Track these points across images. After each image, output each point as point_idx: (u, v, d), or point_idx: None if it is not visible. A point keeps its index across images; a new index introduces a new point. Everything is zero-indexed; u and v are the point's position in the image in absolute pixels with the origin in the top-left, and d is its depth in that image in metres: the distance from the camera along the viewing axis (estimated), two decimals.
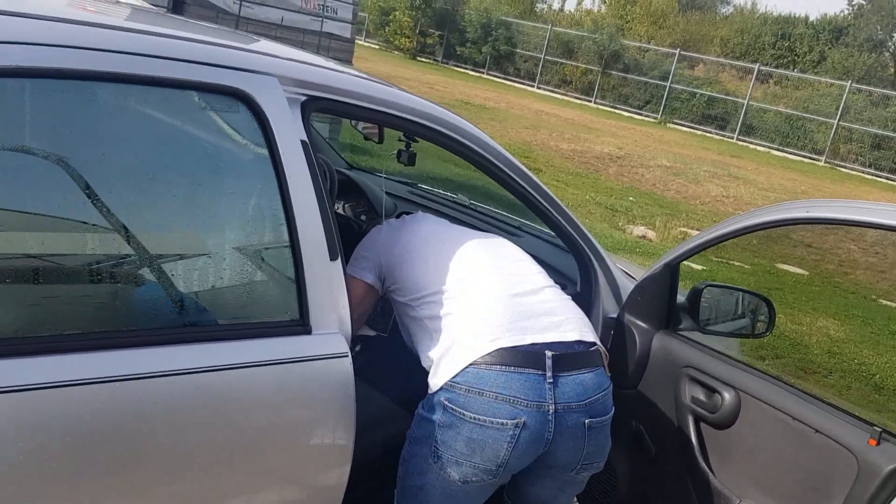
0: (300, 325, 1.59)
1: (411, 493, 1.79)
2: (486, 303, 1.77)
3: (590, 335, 1.82)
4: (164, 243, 1.53)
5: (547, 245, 2.76)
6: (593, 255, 2.39)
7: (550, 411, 1.66)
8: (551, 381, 1.67)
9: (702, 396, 2.07)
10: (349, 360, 1.64)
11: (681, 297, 2.33)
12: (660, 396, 2.19)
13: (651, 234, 8.16)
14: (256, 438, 1.51)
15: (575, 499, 2.55)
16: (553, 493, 1.86)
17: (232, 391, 1.46)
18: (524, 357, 1.67)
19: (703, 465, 2.03)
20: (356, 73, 1.99)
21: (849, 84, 20.55)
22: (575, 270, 2.45)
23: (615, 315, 2.37)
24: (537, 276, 1.93)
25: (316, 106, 1.70)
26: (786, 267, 7.95)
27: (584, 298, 2.44)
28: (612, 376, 2.38)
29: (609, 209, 9.00)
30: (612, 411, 1.81)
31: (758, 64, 22.72)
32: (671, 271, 2.18)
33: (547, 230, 2.87)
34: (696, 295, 2.26)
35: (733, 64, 24.53)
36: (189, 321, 1.52)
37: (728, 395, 1.98)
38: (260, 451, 1.53)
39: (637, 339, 2.24)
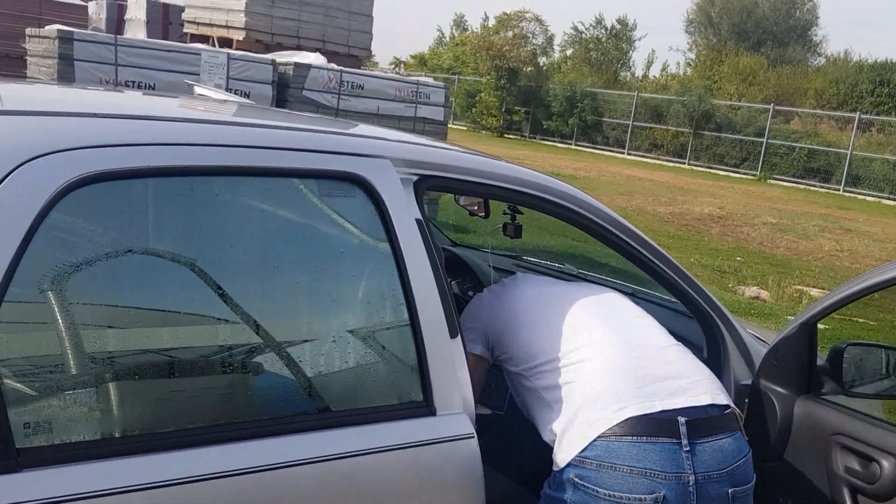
0: (424, 406, 1.56)
1: None
2: (607, 368, 1.68)
3: (722, 397, 1.70)
4: (289, 331, 1.54)
5: (666, 311, 2.64)
6: (719, 319, 2.27)
7: (691, 482, 1.55)
8: (688, 449, 1.56)
9: (857, 466, 1.89)
10: (475, 441, 1.58)
11: (819, 360, 2.17)
12: (808, 468, 2.02)
13: (764, 293, 7.80)
14: None
15: None
16: None
17: (362, 478, 1.43)
18: (656, 425, 1.57)
19: None
20: (462, 149, 1.99)
21: None
22: (699, 336, 2.32)
23: (748, 382, 2.23)
24: (658, 334, 1.83)
25: (428, 184, 1.71)
26: None
27: (713, 365, 2.29)
28: (753, 448, 2.21)
29: (716, 270, 8.70)
30: (755, 479, 1.68)
31: (858, 112, 21.91)
32: (808, 331, 2.04)
33: (664, 296, 2.77)
34: (837, 355, 2.10)
35: (831, 115, 23.74)
36: (316, 408, 1.51)
37: (887, 464, 1.81)
38: None
39: (777, 407, 2.09)
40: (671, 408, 1.60)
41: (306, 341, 1.54)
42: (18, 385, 1.20)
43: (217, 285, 1.42)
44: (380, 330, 1.63)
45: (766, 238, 11.37)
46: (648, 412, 1.58)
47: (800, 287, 8.20)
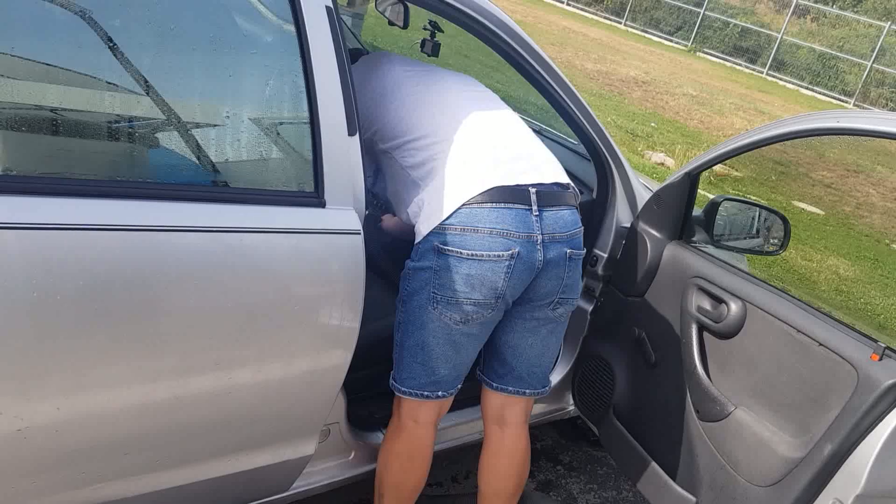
0: (314, 197, 1.58)
1: (412, 353, 1.83)
2: (472, 146, 1.81)
3: (564, 178, 1.89)
4: (183, 101, 1.51)
5: (565, 150, 2.72)
6: (613, 162, 2.35)
7: (539, 241, 1.76)
8: (537, 214, 1.76)
9: (708, 306, 2.07)
10: (361, 237, 1.63)
11: (697, 211, 2.31)
12: (665, 305, 2.20)
13: (670, 161, 8.06)
14: (266, 305, 1.52)
15: (572, 407, 2.59)
16: (525, 336, 1.91)
17: (249, 253, 1.46)
18: (512, 194, 1.75)
19: (702, 372, 2.05)
20: None
21: (888, 26, 19.83)
22: (592, 177, 2.42)
23: (628, 224, 2.36)
24: (516, 123, 1.96)
25: None
26: (802, 205, 7.88)
27: (600, 205, 2.41)
28: (621, 284, 2.37)
29: (629, 133, 8.87)
30: (584, 252, 1.92)
31: None
32: (691, 181, 2.15)
33: (568, 138, 2.83)
34: (713, 208, 2.24)
35: None
36: (207, 180, 1.52)
37: (734, 306, 1.99)
38: (268, 320, 1.54)
39: (649, 248, 2.23)
40: (524, 182, 1.79)
41: (199, 113, 1.52)
42: None
43: (112, 44, 1.36)
44: (278, 115, 1.62)
45: (682, 108, 11.58)
46: (506, 183, 1.76)
47: None
